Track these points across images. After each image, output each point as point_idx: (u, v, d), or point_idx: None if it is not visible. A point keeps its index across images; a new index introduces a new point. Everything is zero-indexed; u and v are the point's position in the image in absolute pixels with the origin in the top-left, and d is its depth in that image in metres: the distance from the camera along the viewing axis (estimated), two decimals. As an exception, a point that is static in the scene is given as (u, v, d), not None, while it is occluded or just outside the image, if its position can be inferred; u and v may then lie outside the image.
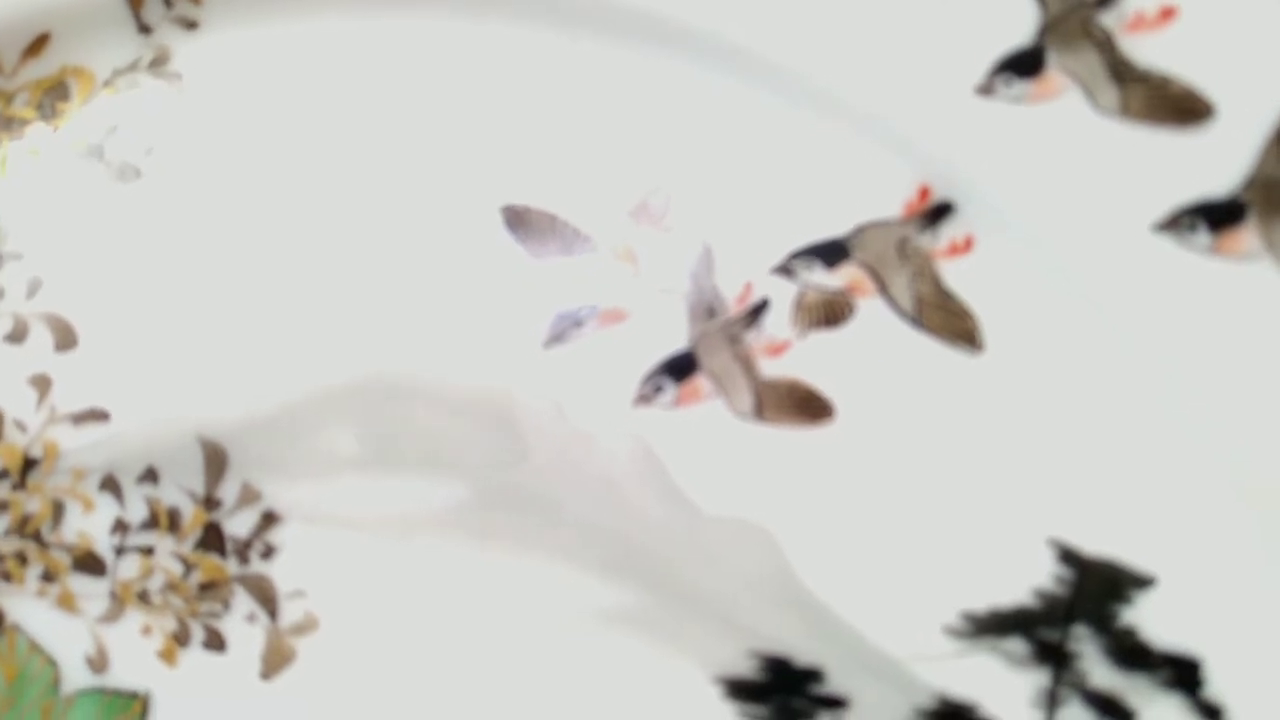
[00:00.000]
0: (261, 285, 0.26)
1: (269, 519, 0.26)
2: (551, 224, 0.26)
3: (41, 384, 0.26)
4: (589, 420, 0.25)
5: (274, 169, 0.27)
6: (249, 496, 0.26)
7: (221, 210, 0.27)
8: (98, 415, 0.26)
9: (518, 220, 0.26)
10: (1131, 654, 0.23)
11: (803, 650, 0.24)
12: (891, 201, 0.25)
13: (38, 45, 0.27)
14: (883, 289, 0.25)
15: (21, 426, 0.26)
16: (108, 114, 0.27)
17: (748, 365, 0.25)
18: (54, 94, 0.27)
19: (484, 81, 0.26)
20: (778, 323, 0.25)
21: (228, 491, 0.26)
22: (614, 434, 0.25)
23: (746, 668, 0.24)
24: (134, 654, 0.26)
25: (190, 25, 0.27)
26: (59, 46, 0.27)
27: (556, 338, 0.26)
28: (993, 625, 0.24)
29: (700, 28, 0.25)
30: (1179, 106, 0.24)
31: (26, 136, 0.27)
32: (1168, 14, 0.24)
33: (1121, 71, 0.24)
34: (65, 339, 0.26)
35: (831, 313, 0.25)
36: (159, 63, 0.27)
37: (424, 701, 0.25)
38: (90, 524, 0.26)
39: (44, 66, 0.27)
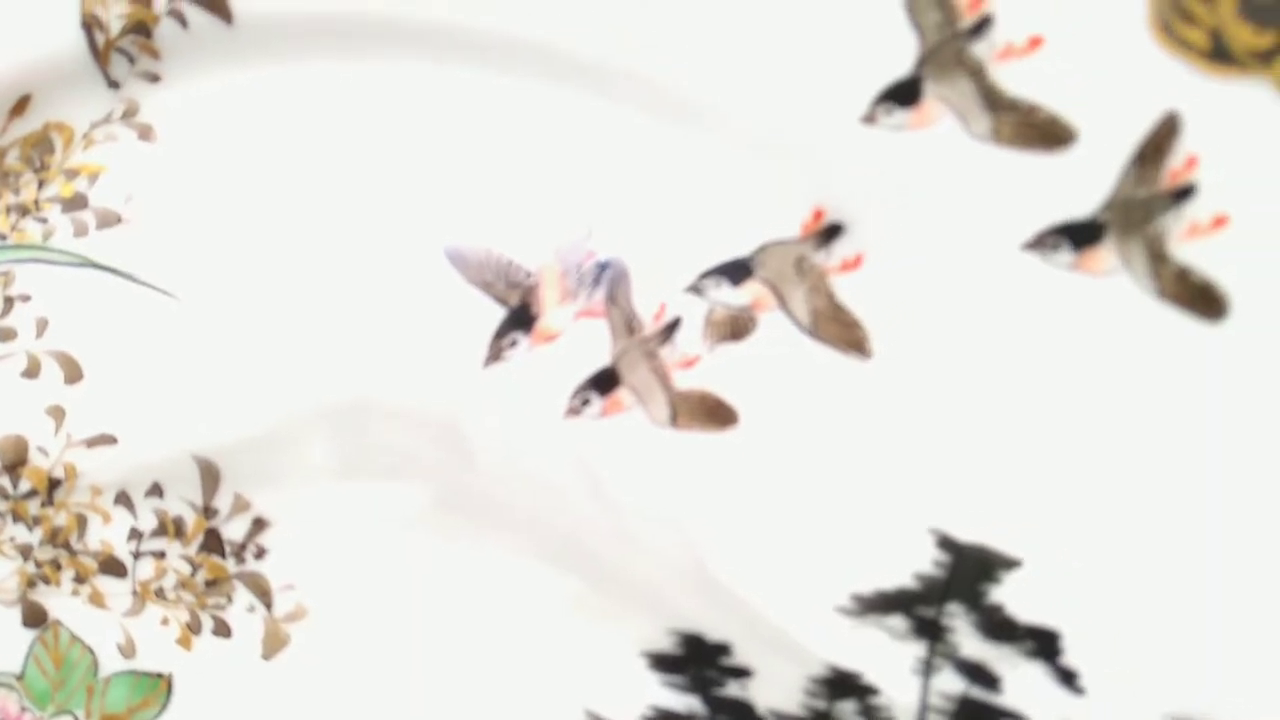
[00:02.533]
0: (242, 322, 0.29)
1: (259, 524, 0.30)
2: (486, 255, 0.29)
3: (57, 414, 0.30)
4: (526, 429, 0.29)
5: (243, 212, 0.29)
6: (241, 505, 0.30)
7: (200, 252, 0.30)
8: (107, 439, 0.30)
9: (456, 253, 0.29)
10: (998, 627, 0.26)
11: (713, 628, 0.27)
12: (789, 223, 0.27)
13: (21, 105, 0.30)
14: (782, 303, 0.28)
15: (44, 451, 0.30)
16: (89, 164, 0.30)
17: (664, 378, 0.28)
18: (40, 148, 0.30)
19: (417, 121, 0.28)
20: (689, 338, 0.28)
21: (223, 502, 0.30)
22: (548, 441, 0.28)
23: (667, 643, 0.28)
24: (156, 641, 0.30)
25: (153, 78, 0.30)
26: (40, 105, 0.30)
27: (494, 357, 0.29)
28: (878, 605, 0.27)
29: (615, 67, 0.27)
30: (1045, 132, 0.25)
31: (20, 189, 0.31)
32: (1035, 43, 0.25)
33: (993, 99, 0.26)
34: (72, 373, 0.30)
35: (737, 327, 0.28)
36: (130, 114, 0.30)
37: (399, 674, 0.29)
38: (109, 533, 0.30)
39: (29, 124, 0.30)
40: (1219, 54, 0.24)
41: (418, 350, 0.29)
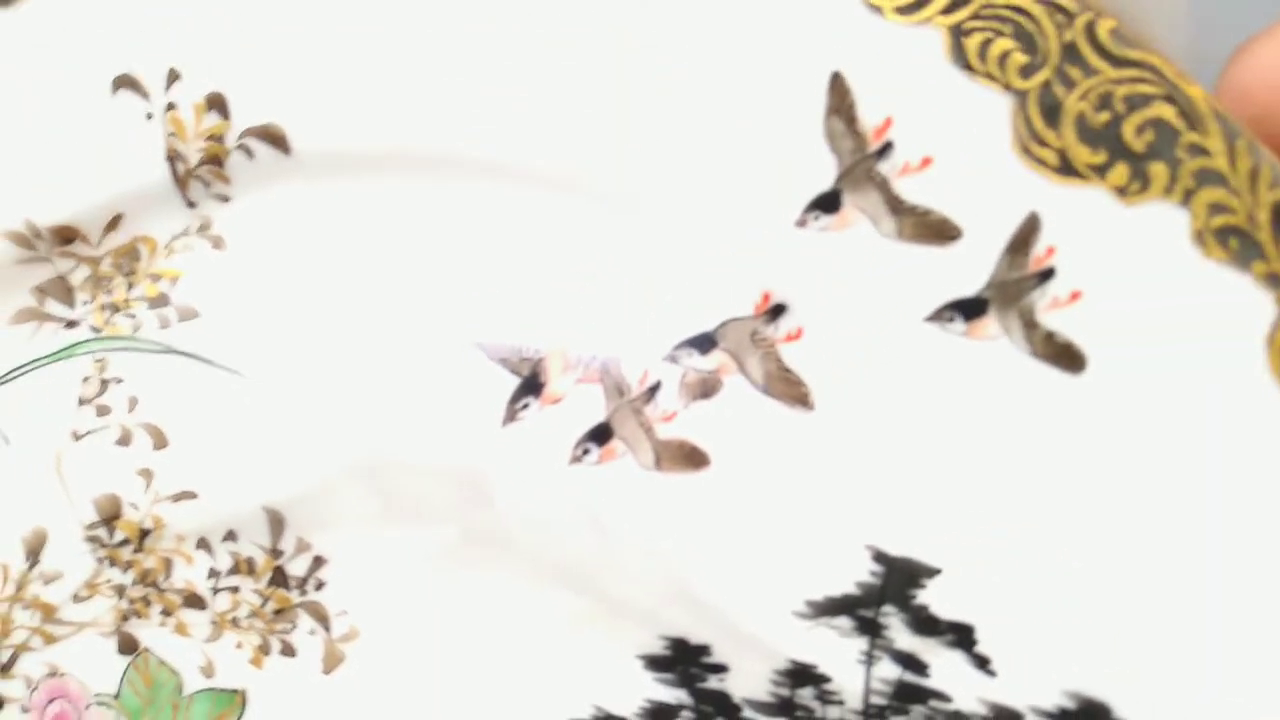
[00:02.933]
0: (298, 395, 0.35)
1: (318, 561, 0.35)
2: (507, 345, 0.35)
3: (146, 475, 0.36)
4: (536, 476, 0.35)
5: (297, 304, 0.35)
6: (302, 547, 0.35)
7: (262, 338, 0.36)
8: (189, 495, 0.35)
9: (484, 344, 0.35)
10: (924, 624, 0.32)
11: (695, 633, 0.33)
12: (744, 303, 0.34)
13: (114, 223, 0.36)
14: (741, 368, 0.34)
15: (135, 506, 0.36)
16: (170, 270, 0.37)
17: (649, 430, 0.34)
18: (129, 257, 0.37)
19: (436, 232, 0.35)
20: (668, 398, 0.35)
21: (287, 544, 0.35)
22: (555, 486, 0.35)
23: (658, 647, 0.33)
24: (232, 663, 0.35)
25: (224, 199, 0.36)
26: (129, 222, 0.36)
27: (510, 418, 0.35)
28: (828, 609, 0.33)
29: (587, 179, 0.33)
30: (938, 231, 0.31)
31: (112, 290, 0.37)
32: (926, 161, 0.31)
33: (896, 206, 0.32)
34: (159, 441, 0.36)
35: (706, 388, 0.34)
36: (204, 228, 0.36)
37: (435, 681, 0.34)
38: (192, 573, 0.36)
39: (119, 238, 0.36)
40: (1066, 169, 0.30)
41: (443, 414, 0.35)
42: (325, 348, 0.35)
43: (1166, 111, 0.29)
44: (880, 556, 0.32)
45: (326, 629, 0.35)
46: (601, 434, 0.34)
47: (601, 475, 0.34)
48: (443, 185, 0.34)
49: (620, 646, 0.33)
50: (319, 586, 0.35)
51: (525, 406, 0.34)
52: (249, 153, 0.34)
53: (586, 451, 0.34)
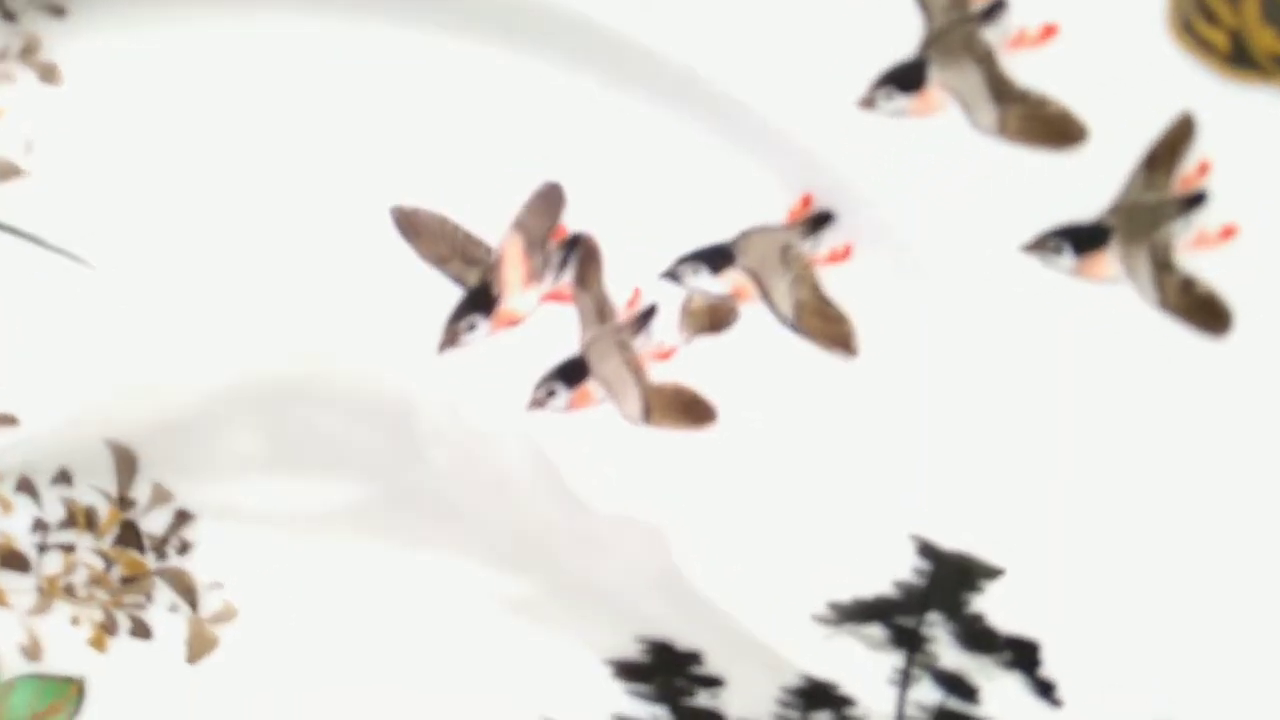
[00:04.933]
0: (162, 291, 0.27)
1: (182, 517, 0.27)
2: (441, 226, 0.26)
3: (-54, 389, 0.27)
4: (483, 422, 0.27)
5: (164, 168, 0.27)
6: (161, 496, 0.27)
7: (114, 211, 0.27)
8: (7, 420, 0.27)
9: (407, 222, 0.26)
10: (978, 638, 0.26)
11: (683, 635, 0.26)
12: (775, 209, 0.26)
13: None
14: (764, 294, 0.26)
15: (-70, 431, 0.27)
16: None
17: (637, 370, 0.26)
18: (-78, 85, 0.27)
19: (373, 83, 0.26)
20: (665, 328, 0.27)
21: (140, 491, 0.27)
22: (508, 436, 0.27)
23: (633, 650, 0.26)
24: (65, 643, 0.27)
25: (57, 11, 0.26)
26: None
27: (450, 342, 0.27)
28: (856, 613, 0.26)
29: (595, 34, 0.25)
30: (1054, 128, 0.24)
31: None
32: (1049, 32, 0.24)
33: (1001, 90, 0.24)
34: (-35, 344, 0.27)
35: (716, 318, 0.26)
36: (29, 51, 0.27)
37: (339, 685, 0.27)
38: (10, 524, 0.27)
39: None
40: (1239, 57, 0.23)
41: (362, 329, 0.27)
42: (198, 229, 0.26)
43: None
44: (927, 550, 0.25)
45: (193, 605, 0.27)
46: (574, 371, 0.26)
47: (571, 425, 0.26)
48: (377, 27, 0.25)
49: (582, 647, 0.26)
50: (183, 550, 0.27)
51: (471, 328, 0.26)
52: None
53: (552, 394, 0.26)
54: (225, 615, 0.27)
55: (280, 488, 0.27)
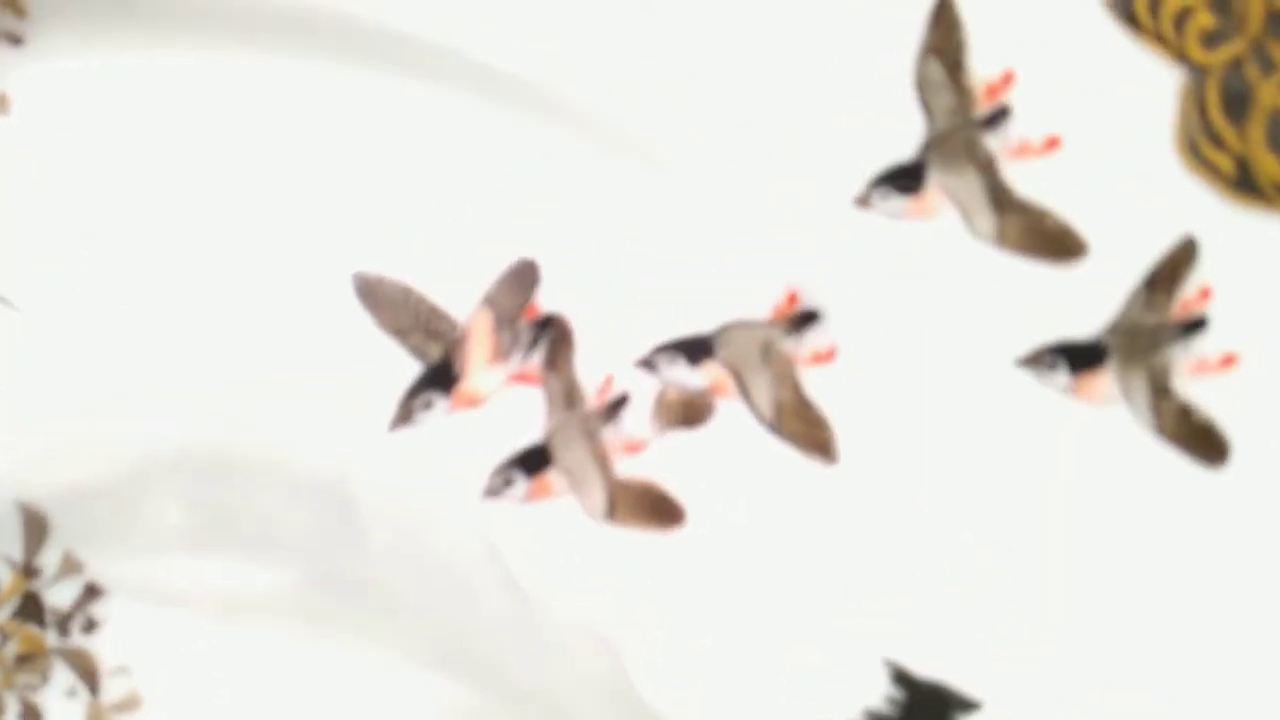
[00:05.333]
0: (92, 342, 0.25)
1: (92, 591, 0.25)
2: (405, 296, 0.25)
3: None
4: (432, 508, 0.25)
5: (105, 212, 0.25)
6: (71, 567, 0.25)
7: (47, 254, 0.25)
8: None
9: (369, 290, 0.25)
10: (953, 775, 0.24)
11: (633, 755, 0.24)
12: (760, 302, 0.25)
13: None
14: (743, 391, 0.25)
15: None
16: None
17: (603, 462, 0.25)
18: None
19: (342, 127, 0.24)
20: (637, 420, 0.25)
21: (48, 560, 0.25)
22: (457, 524, 0.25)
23: (577, 770, 0.24)
24: None
25: (14, 40, 0.25)
26: None
27: (404, 419, 0.25)
28: (822, 743, 0.24)
29: (580, 106, 0.24)
30: (1054, 242, 0.23)
31: None
32: (1052, 144, 0.23)
33: (1001, 199, 0.24)
34: None
35: (691, 413, 0.25)
36: (-21, 78, 0.25)
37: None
38: (-106, 588, 0.25)
39: None
40: (1244, 182, 0.23)
41: (310, 400, 0.25)
42: (138, 278, 0.25)
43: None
44: (901, 677, 0.23)
45: (93, 690, 0.24)
46: (535, 459, 0.24)
47: (527, 518, 0.24)
48: (350, 72, 0.24)
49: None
50: (89, 628, 0.25)
51: (428, 405, 0.24)
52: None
53: (510, 482, 0.24)
54: (129, 704, 0.25)
55: (204, 566, 0.25)
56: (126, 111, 0.25)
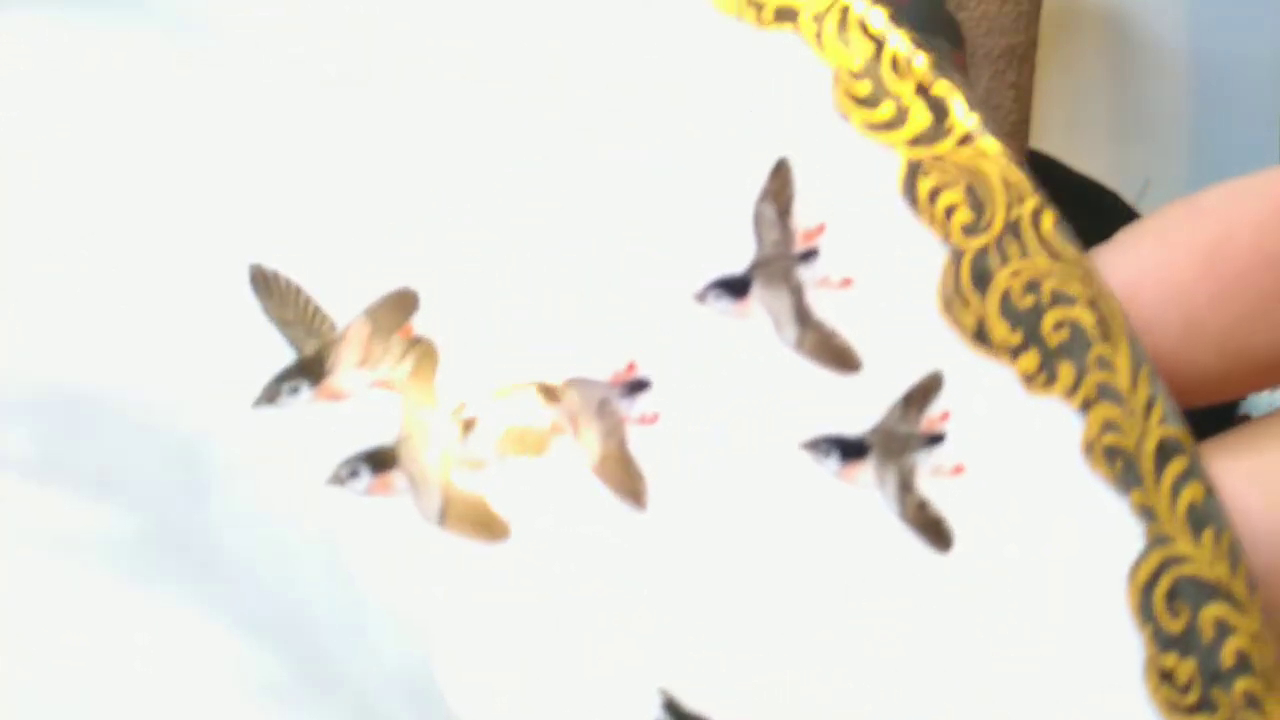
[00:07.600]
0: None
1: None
2: (296, 295, 0.27)
3: None
4: (278, 485, 0.26)
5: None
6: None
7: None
8: None
9: (263, 281, 0.27)
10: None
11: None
12: (604, 367, 0.29)
13: None
14: (575, 436, 0.29)
15: None
16: None
17: (444, 472, 0.28)
18: None
19: (311, 131, 0.27)
20: (481, 441, 0.28)
21: None
22: (298, 505, 0.26)
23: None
24: None
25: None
26: None
27: (269, 399, 0.27)
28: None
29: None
30: (839, 356, 0.29)
31: None
32: (847, 282, 0.30)
33: (803, 316, 0.30)
34: None
35: (530, 443, 0.28)
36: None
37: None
38: None
39: None
40: (981, 337, 0.30)
41: (181, 359, 0.26)
42: (32, 215, 0.25)
43: (1087, 318, 0.30)
44: (671, 706, 0.27)
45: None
46: (382, 459, 0.27)
47: (364, 509, 0.26)
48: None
49: (316, 740, 0.25)
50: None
51: (294, 391, 0.27)
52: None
53: (355, 474, 0.26)
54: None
55: (44, 497, 0.24)
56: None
